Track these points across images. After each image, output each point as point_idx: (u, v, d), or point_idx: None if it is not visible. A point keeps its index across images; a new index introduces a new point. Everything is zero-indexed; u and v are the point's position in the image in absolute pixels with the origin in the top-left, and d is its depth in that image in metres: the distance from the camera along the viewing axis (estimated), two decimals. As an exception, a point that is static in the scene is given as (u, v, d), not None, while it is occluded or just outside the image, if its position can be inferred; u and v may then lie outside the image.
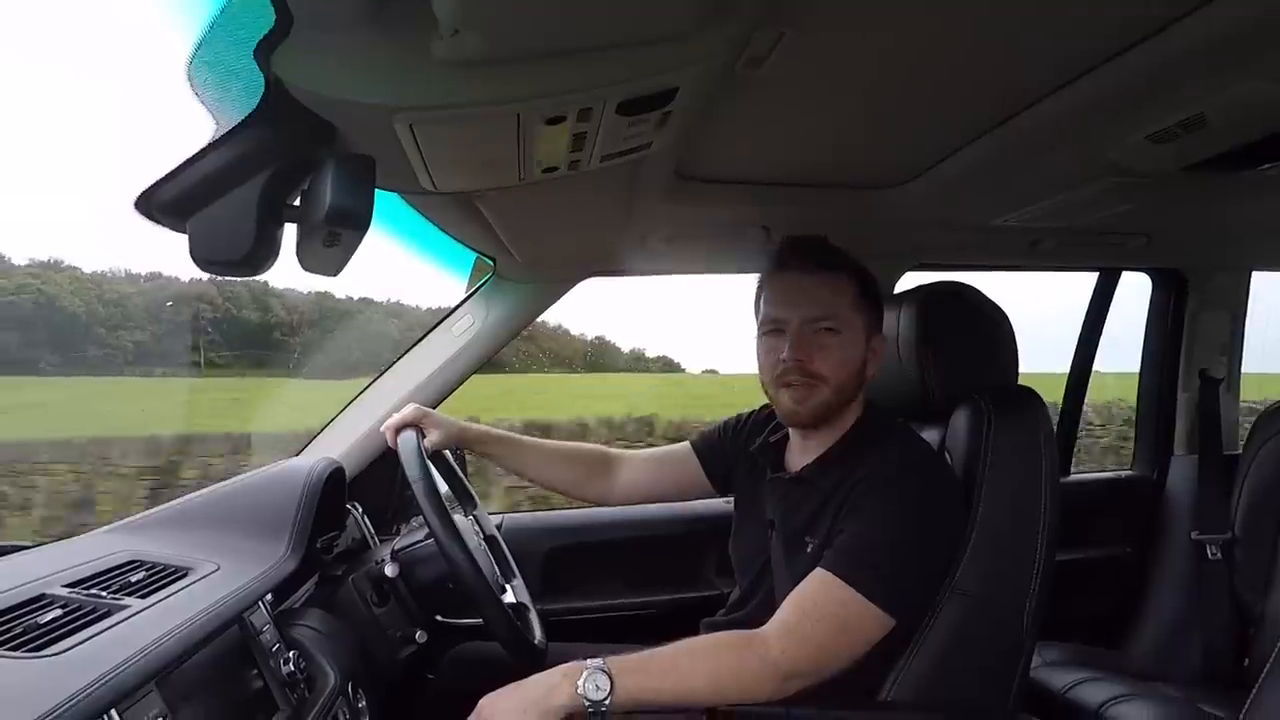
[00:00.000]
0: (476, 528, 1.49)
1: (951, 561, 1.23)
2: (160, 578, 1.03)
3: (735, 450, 1.57)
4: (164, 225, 0.80)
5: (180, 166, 0.78)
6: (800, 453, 1.39)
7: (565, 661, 1.10)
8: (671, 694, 1.11)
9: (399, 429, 1.42)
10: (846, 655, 1.16)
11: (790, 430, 1.42)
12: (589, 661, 1.09)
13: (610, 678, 1.07)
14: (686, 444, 1.66)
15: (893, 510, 1.20)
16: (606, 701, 1.06)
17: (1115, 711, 1.67)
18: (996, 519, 1.26)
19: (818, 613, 1.16)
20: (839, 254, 1.32)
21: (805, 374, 1.28)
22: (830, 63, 1.00)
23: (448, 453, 1.58)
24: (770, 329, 1.32)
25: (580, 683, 1.06)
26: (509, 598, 1.38)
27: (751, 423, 1.57)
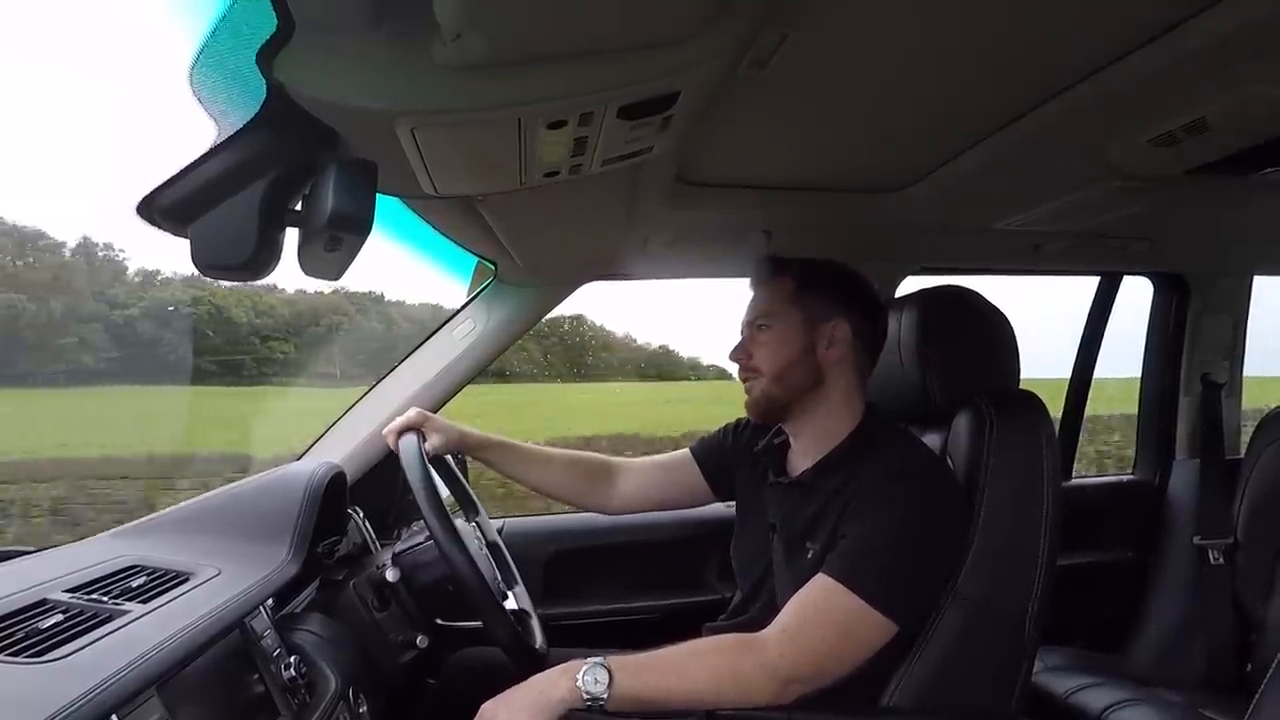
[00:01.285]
0: (478, 534, 1.49)
1: (953, 566, 1.23)
2: (161, 583, 1.03)
3: (736, 454, 1.57)
4: (166, 230, 0.80)
5: (182, 171, 0.78)
6: (801, 456, 1.39)
7: None
8: (670, 693, 1.11)
9: (400, 433, 1.43)
10: (848, 661, 1.16)
11: (790, 434, 1.43)
12: (589, 659, 1.10)
13: (610, 674, 1.08)
14: (686, 451, 1.66)
15: (894, 514, 1.20)
16: (605, 696, 1.07)
17: (1117, 717, 1.67)
18: (998, 523, 1.26)
19: (819, 618, 1.16)
20: (782, 261, 1.42)
21: (747, 369, 1.38)
22: (833, 66, 1.00)
23: (449, 458, 1.58)
24: (736, 346, 1.41)
25: (579, 677, 1.08)
26: (511, 604, 1.38)
27: (752, 427, 1.57)
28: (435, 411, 1.72)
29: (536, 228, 1.46)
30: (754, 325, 1.38)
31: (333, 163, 0.80)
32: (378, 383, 1.83)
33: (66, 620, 0.87)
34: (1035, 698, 1.80)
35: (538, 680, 1.11)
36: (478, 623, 1.26)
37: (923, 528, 1.20)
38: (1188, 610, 2.04)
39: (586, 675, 1.08)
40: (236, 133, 0.78)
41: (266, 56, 0.71)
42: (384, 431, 1.48)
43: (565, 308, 1.92)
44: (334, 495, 1.41)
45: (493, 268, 1.79)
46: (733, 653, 1.15)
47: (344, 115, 0.82)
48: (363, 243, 0.88)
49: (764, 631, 1.17)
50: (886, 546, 1.18)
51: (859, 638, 1.16)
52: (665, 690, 1.11)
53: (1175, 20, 0.89)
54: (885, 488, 1.22)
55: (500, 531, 1.76)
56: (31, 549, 1.18)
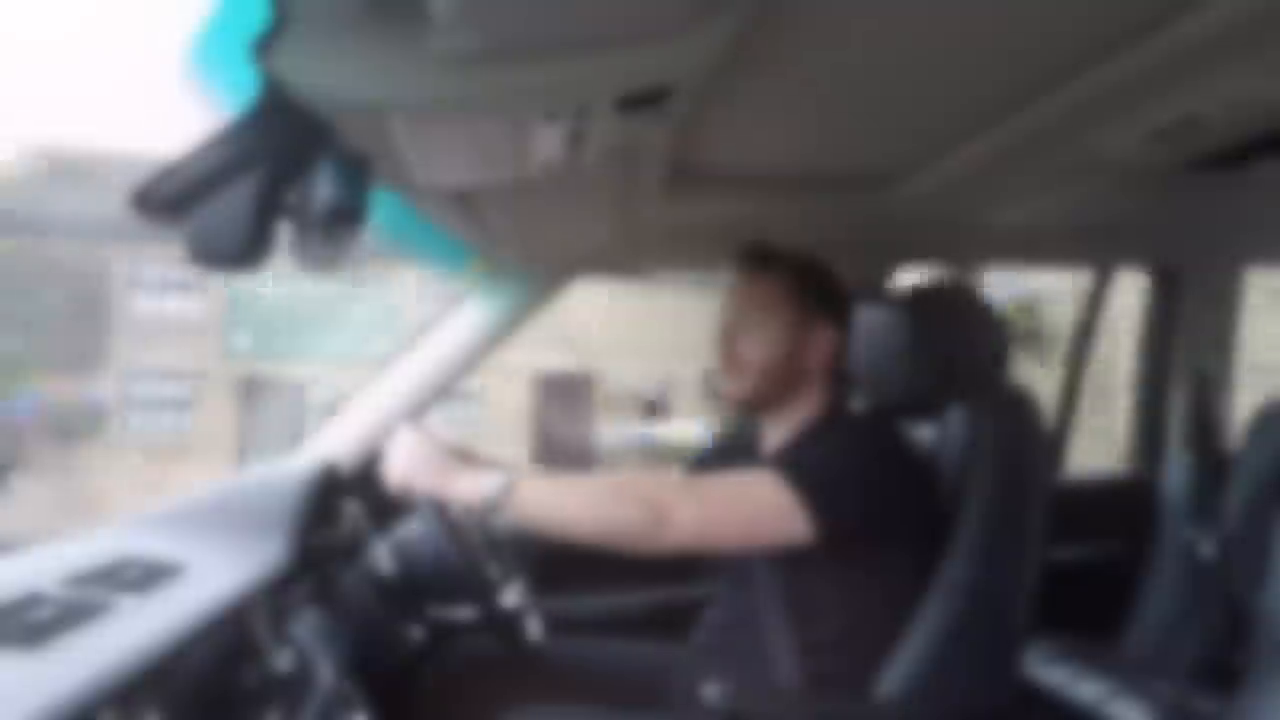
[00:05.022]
0: (479, 530, 1.49)
1: (896, 522, 1.24)
2: (156, 575, 1.03)
3: (719, 460, 1.58)
4: (160, 222, 0.80)
5: (176, 164, 0.78)
6: (772, 442, 1.42)
7: (564, 658, 1.11)
8: (556, 510, 1.18)
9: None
10: (737, 526, 1.18)
11: (764, 423, 1.44)
12: (502, 474, 1.15)
13: (513, 488, 1.13)
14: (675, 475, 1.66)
15: (839, 446, 1.27)
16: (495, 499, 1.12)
17: (1109, 707, 1.68)
18: (989, 515, 1.26)
19: (729, 480, 1.22)
20: (775, 256, 1.39)
21: (732, 363, 1.37)
22: (827, 59, 1.00)
23: None
24: (720, 333, 1.40)
25: (482, 482, 1.14)
26: (510, 598, 1.38)
27: (733, 431, 1.62)
28: (430, 405, 1.72)
29: (531, 221, 1.46)
30: (743, 320, 1.38)
31: (327, 155, 0.80)
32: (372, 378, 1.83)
33: (60, 613, 0.86)
34: (1027, 689, 1.81)
35: (455, 468, 1.18)
36: (471, 611, 1.26)
37: (866, 463, 1.23)
38: (1179, 602, 2.05)
39: (487, 481, 1.13)
40: (230, 125, 0.78)
41: (260, 48, 0.71)
42: (390, 481, 1.29)
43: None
44: (329, 488, 1.40)
45: (488, 261, 1.79)
46: (632, 482, 1.19)
47: (338, 107, 0.82)
48: (358, 235, 0.88)
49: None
50: (824, 461, 1.22)
51: (763, 511, 1.16)
52: (554, 507, 1.17)
53: (1168, 15, 0.89)
54: (839, 434, 1.31)
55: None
56: (26, 542, 1.18)
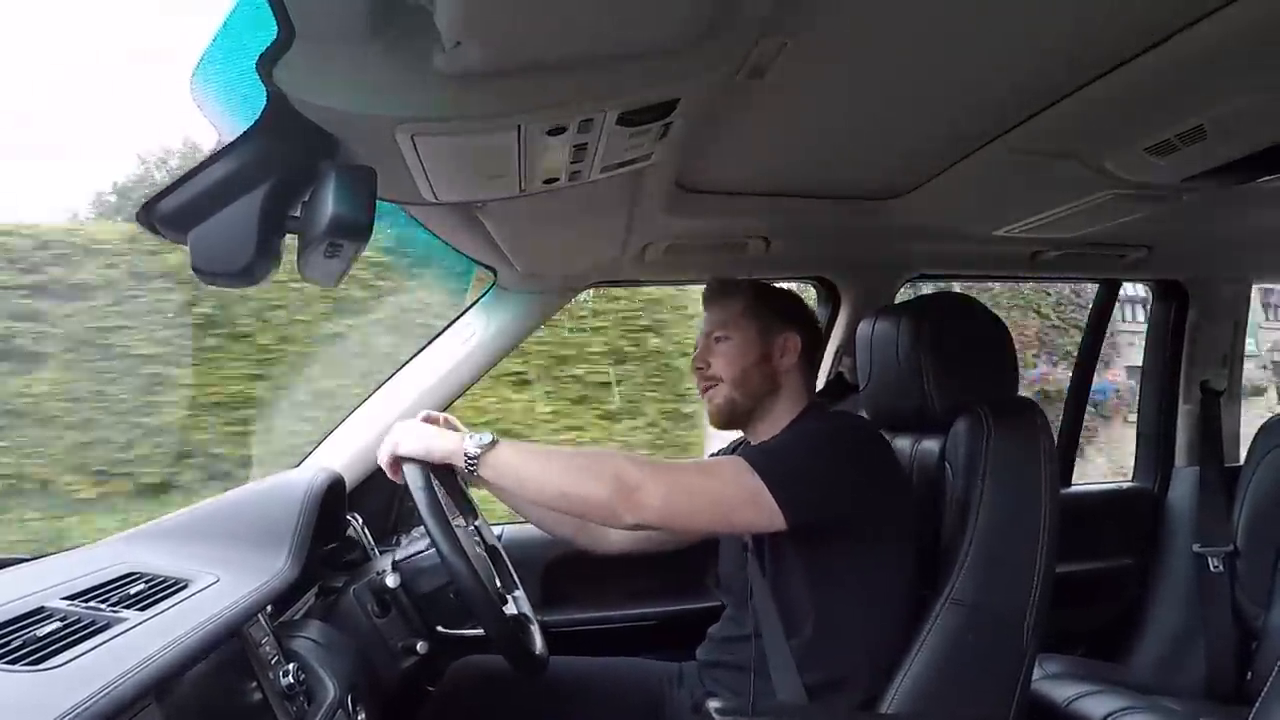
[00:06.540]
0: (478, 538, 1.48)
1: (867, 510, 1.25)
2: (159, 590, 1.03)
3: None
4: (166, 237, 0.81)
5: (183, 178, 0.78)
6: None
7: (567, 674, 1.10)
8: (533, 475, 1.20)
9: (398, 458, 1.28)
10: (706, 507, 1.20)
11: (750, 440, 1.47)
12: (489, 434, 1.20)
13: (494, 446, 1.17)
14: None
15: (806, 434, 1.34)
16: (476, 458, 1.17)
17: None
18: (996, 529, 1.26)
19: (703, 464, 1.28)
20: (732, 282, 1.51)
21: (706, 377, 1.45)
22: (831, 74, 1.00)
23: None
24: (693, 364, 1.50)
25: (466, 439, 1.18)
26: (510, 609, 1.37)
27: (729, 448, 1.62)
28: None
29: (536, 234, 1.46)
30: (711, 337, 1.46)
31: (332, 169, 0.80)
32: (376, 389, 1.83)
33: (64, 628, 0.86)
34: (1035, 705, 1.79)
35: (442, 432, 1.23)
36: (478, 630, 1.25)
37: (834, 449, 1.26)
38: (1188, 618, 2.03)
39: (471, 440, 1.17)
40: (237, 139, 0.78)
41: (266, 64, 0.71)
42: (381, 460, 1.29)
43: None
44: (333, 501, 1.40)
45: (492, 274, 1.79)
46: (609, 457, 1.21)
47: (344, 122, 0.82)
48: (362, 249, 0.88)
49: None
50: (791, 449, 1.27)
51: (730, 494, 1.19)
52: (528, 471, 1.20)
53: (1173, 28, 0.89)
54: (802, 427, 1.38)
55: (500, 538, 1.75)
56: (28, 556, 1.18)
